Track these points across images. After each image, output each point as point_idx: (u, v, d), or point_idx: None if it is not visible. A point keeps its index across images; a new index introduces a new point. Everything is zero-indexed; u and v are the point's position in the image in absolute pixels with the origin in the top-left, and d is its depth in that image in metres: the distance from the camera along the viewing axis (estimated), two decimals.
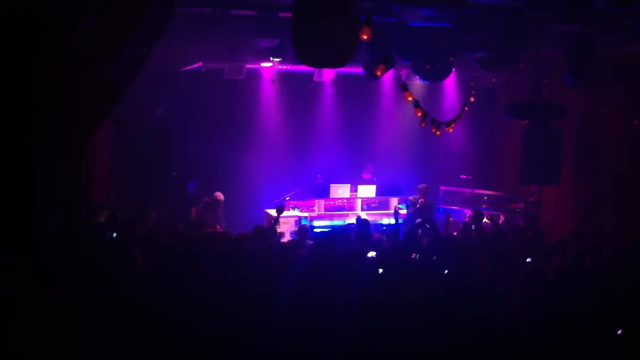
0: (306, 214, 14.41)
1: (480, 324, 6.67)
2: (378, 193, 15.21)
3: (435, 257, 9.45)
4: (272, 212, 13.39)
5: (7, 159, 5.77)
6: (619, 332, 6.84)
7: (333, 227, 13.10)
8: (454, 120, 12.98)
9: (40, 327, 5.87)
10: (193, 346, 6.36)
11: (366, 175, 16.01)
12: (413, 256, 9.36)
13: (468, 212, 14.53)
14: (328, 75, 15.51)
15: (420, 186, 13.91)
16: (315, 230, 13.32)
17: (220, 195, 13.54)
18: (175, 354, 6.16)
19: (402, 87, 10.65)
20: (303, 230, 11.24)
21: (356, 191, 15.03)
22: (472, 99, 13.81)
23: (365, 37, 8.03)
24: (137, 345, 6.13)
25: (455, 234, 11.93)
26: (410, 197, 14.03)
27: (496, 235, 11.02)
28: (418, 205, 13.68)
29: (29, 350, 5.73)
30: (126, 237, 9.51)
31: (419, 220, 12.83)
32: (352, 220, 13.63)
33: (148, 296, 6.86)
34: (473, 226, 11.90)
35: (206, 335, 6.49)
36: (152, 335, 6.17)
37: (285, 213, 14.06)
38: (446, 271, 8.78)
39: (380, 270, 8.54)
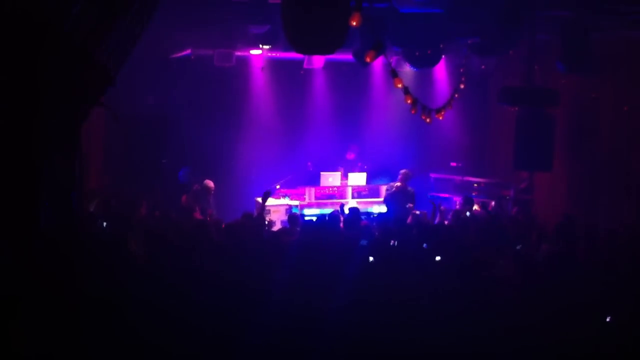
0: (297, 202, 14.37)
1: (474, 316, 6.67)
2: (368, 181, 15.19)
3: (425, 245, 9.45)
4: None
5: None
6: (608, 319, 6.88)
7: (320, 216, 13.06)
8: (444, 107, 12.93)
9: (39, 326, 5.82)
10: (190, 340, 6.32)
11: (350, 156, 15.98)
12: (392, 243, 9.32)
13: (458, 200, 14.53)
14: (318, 62, 15.45)
15: (402, 171, 13.74)
16: (306, 218, 13.29)
17: (210, 183, 13.49)
18: (172, 348, 6.11)
19: (392, 73, 10.60)
20: (293, 218, 11.22)
21: (347, 179, 15.00)
22: (462, 86, 13.77)
23: (354, 23, 7.98)
24: (134, 340, 6.08)
25: (446, 222, 11.91)
26: (391, 183, 13.84)
27: (488, 221, 11.03)
28: (393, 190, 13.48)
29: (29, 350, 5.68)
30: (120, 228, 9.48)
31: (410, 205, 12.87)
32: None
33: (145, 290, 6.83)
34: (468, 213, 11.91)
35: (201, 327, 6.47)
36: (150, 330, 6.12)
37: (275, 201, 14.05)
38: (438, 258, 8.77)
39: (371, 259, 8.54)
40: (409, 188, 13.59)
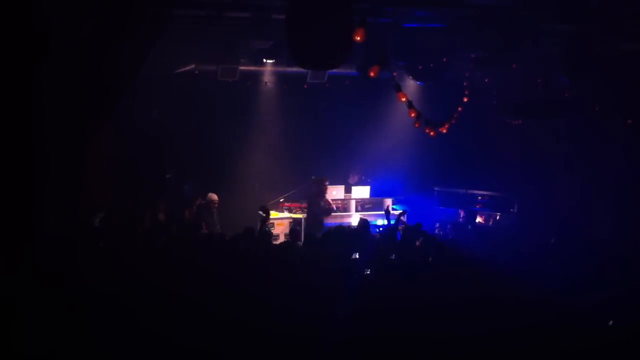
0: (300, 216, 14.38)
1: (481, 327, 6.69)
2: (372, 194, 15.19)
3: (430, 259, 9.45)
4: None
5: (5, 159, 5.77)
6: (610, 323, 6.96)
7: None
8: (448, 121, 12.99)
9: (40, 328, 5.85)
10: (188, 345, 6.34)
11: (352, 180, 15.97)
12: (392, 257, 9.33)
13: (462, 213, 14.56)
14: (322, 76, 15.46)
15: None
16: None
17: (213, 196, 13.51)
18: (173, 351, 6.11)
19: (396, 87, 10.65)
20: (295, 233, 11.23)
21: (350, 192, 15.01)
22: (465, 99, 13.81)
23: (358, 38, 8.04)
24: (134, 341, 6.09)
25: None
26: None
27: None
28: None
29: (29, 349, 5.70)
30: (123, 241, 9.53)
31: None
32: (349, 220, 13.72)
33: (148, 297, 6.87)
34: (470, 226, 11.93)
35: (206, 339, 6.50)
36: (153, 335, 6.13)
37: (280, 215, 14.09)
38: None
39: (368, 271, 8.56)
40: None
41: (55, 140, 5.91)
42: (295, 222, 14.02)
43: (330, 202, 14.23)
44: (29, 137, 5.76)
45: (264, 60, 13.28)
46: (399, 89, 10.66)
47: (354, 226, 12.08)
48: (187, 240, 10.11)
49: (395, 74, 11.38)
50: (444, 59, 12.68)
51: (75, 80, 5.79)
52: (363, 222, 11.29)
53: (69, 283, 6.46)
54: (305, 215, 14.32)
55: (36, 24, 5.49)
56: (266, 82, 15.71)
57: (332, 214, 14.48)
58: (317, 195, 14.11)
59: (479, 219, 13.56)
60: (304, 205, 14.73)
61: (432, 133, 12.38)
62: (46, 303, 5.98)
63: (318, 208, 14.01)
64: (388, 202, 14.85)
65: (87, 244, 8.72)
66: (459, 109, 13.58)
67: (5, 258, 5.84)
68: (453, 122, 13.25)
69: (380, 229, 13.58)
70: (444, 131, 12.77)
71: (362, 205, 14.98)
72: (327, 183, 14.28)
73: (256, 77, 15.60)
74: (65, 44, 5.63)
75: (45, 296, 6.02)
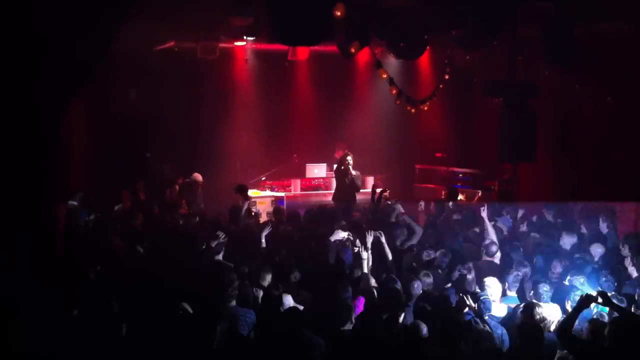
0: (282, 194, 14.37)
1: None
2: None
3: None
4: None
5: (5, 157, 5.70)
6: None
7: None
8: (428, 98, 12.97)
9: (39, 326, 5.77)
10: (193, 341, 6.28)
11: (339, 154, 15.92)
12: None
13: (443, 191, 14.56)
14: (302, 53, 15.37)
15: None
16: None
17: (198, 177, 13.43)
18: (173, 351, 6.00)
19: (377, 65, 10.62)
20: (278, 211, 11.20)
21: (332, 170, 14.99)
22: (446, 77, 13.79)
23: (338, 13, 7.99)
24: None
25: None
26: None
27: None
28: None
29: (28, 349, 5.64)
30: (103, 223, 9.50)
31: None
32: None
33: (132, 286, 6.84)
34: (451, 203, 11.92)
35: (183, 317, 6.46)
36: (153, 333, 6.03)
37: (261, 193, 14.05)
38: None
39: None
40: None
41: (28, 118, 5.80)
42: (277, 200, 14.02)
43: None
44: (30, 135, 5.70)
45: (245, 37, 13.14)
46: (379, 66, 10.63)
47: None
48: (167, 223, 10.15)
49: (376, 50, 11.33)
50: (426, 37, 12.61)
51: (44, 55, 5.67)
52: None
53: (68, 278, 6.42)
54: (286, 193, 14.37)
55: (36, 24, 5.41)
56: (246, 60, 15.58)
57: (316, 192, 14.53)
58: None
59: (460, 197, 13.57)
60: (286, 183, 14.74)
61: (413, 110, 12.36)
62: (46, 303, 5.89)
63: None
64: (370, 180, 14.84)
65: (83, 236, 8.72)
66: (440, 86, 13.55)
67: (5, 257, 5.75)
68: (435, 99, 13.22)
69: None
70: (425, 108, 12.75)
71: None
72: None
73: (236, 54, 15.47)
74: (31, 23, 5.51)
75: (45, 296, 5.92)
